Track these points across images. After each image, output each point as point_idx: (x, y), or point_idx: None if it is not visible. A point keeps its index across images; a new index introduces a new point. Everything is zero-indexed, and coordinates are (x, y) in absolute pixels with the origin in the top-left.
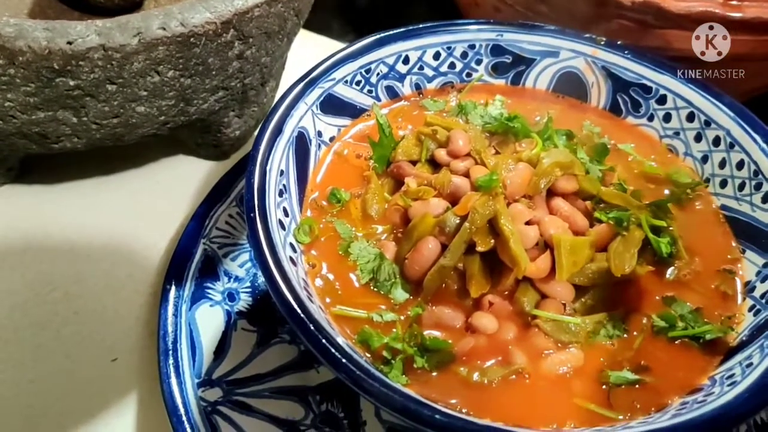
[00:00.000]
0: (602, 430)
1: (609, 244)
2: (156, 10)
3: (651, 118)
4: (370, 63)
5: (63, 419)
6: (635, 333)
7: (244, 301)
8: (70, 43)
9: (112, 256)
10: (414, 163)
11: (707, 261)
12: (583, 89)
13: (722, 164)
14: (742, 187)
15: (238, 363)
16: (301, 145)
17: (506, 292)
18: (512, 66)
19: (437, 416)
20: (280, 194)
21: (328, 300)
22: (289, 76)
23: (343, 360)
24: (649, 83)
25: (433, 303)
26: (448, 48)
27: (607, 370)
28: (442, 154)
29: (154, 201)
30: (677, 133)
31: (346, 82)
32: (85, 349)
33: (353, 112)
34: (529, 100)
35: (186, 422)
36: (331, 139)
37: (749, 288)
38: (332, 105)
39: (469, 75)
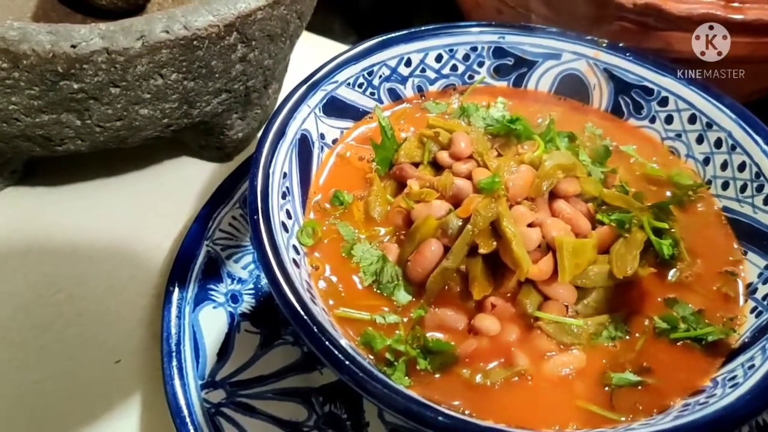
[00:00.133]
0: None
1: (611, 246)
2: (159, 14)
3: (653, 120)
4: (373, 65)
5: (66, 421)
6: (637, 335)
7: (247, 302)
8: (73, 46)
9: (115, 258)
10: (416, 165)
11: (709, 263)
12: (584, 91)
13: (724, 166)
14: (743, 188)
15: (241, 365)
16: (304, 147)
17: (509, 294)
18: (514, 68)
19: (440, 418)
20: (283, 196)
21: (331, 302)
22: (292, 78)
23: (346, 362)
24: (650, 85)
25: (436, 305)
26: (450, 50)
27: (610, 372)
28: (444, 157)
29: (157, 203)
30: (679, 135)
31: (349, 84)
32: (88, 350)
33: (356, 114)
34: (531, 102)
35: (189, 424)
36: (334, 141)
37: (751, 290)
38: (335, 107)
39: (471, 77)
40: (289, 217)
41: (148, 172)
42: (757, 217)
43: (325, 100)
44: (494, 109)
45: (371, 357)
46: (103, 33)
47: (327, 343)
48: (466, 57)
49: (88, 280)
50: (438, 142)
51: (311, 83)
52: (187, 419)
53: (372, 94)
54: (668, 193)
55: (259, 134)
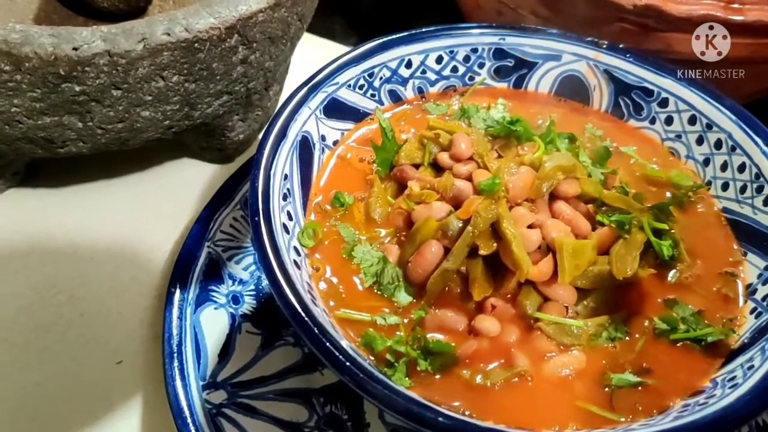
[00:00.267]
0: None
1: (611, 247)
2: (160, 16)
3: (653, 121)
4: (373, 67)
5: (68, 421)
6: (637, 335)
7: (248, 304)
8: (75, 49)
9: (116, 259)
10: (417, 166)
11: (709, 264)
12: (585, 92)
13: (724, 167)
14: (743, 189)
15: (242, 365)
16: (305, 149)
17: (509, 295)
18: (514, 69)
19: (440, 419)
20: (284, 198)
21: (331, 303)
22: (293, 80)
23: (347, 363)
24: (650, 86)
25: (436, 306)
26: (451, 52)
27: (609, 373)
28: (444, 158)
29: (158, 204)
30: (679, 136)
31: (350, 86)
32: (90, 351)
33: (356, 116)
34: (531, 103)
35: (191, 424)
36: (335, 143)
37: (751, 290)
38: (336, 109)
39: (471, 78)
40: (290, 218)
41: (150, 173)
42: (756, 218)
43: (326, 102)
44: (494, 111)
45: (372, 358)
46: (105, 35)
47: (328, 344)
48: (467, 58)
49: (90, 281)
50: (438, 143)
51: (312, 85)
52: (189, 420)
53: (373, 95)
54: (668, 194)
55: (260, 136)
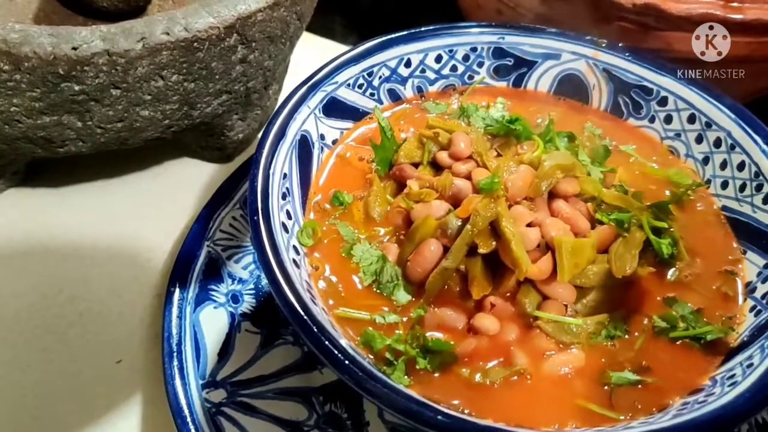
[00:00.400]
0: (603, 431)
1: (610, 245)
2: (160, 15)
3: (652, 120)
4: (373, 66)
5: (68, 420)
6: (636, 334)
7: (247, 303)
8: (75, 48)
9: (116, 259)
10: (416, 165)
11: (708, 262)
12: (584, 91)
13: (723, 165)
14: (743, 188)
15: (242, 364)
16: (304, 148)
17: (508, 294)
18: (514, 68)
19: (439, 417)
20: (283, 197)
21: (331, 302)
22: (292, 79)
23: (346, 362)
24: (650, 85)
25: (436, 305)
26: (450, 51)
27: (609, 371)
28: (443, 157)
29: (158, 203)
30: (678, 135)
31: (349, 85)
32: (90, 351)
33: (355, 115)
34: (530, 102)
35: (190, 423)
36: (334, 142)
37: (750, 289)
38: (335, 108)
39: (470, 78)
40: (289, 217)
41: (149, 173)
42: (756, 217)
43: (325, 101)
44: (494, 110)
45: (371, 357)
46: (104, 35)
47: (327, 342)
48: (466, 57)
49: (90, 280)
50: (437, 142)
51: (311, 84)
52: (188, 419)
53: (372, 94)
54: (667, 193)
55: (260, 135)
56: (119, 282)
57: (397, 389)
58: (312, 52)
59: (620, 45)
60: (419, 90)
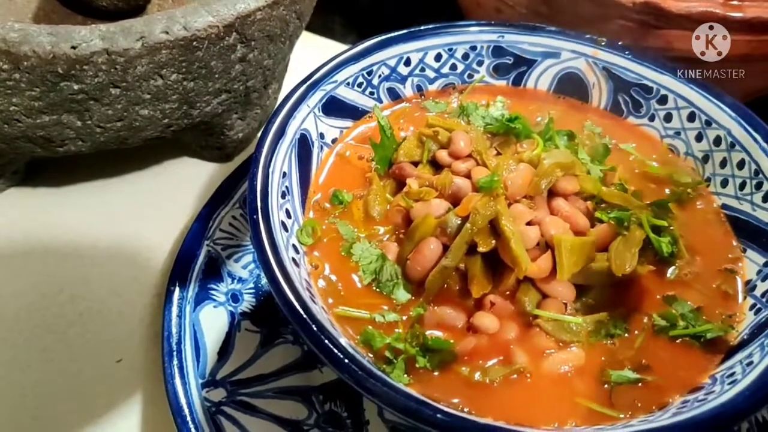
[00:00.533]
0: (603, 429)
1: (610, 243)
2: (159, 14)
3: (652, 118)
4: (372, 65)
5: (69, 420)
6: (636, 332)
7: (247, 302)
8: (74, 47)
9: (116, 258)
10: (416, 164)
11: (708, 260)
12: (584, 90)
13: (723, 164)
14: (742, 186)
15: (241, 363)
16: (304, 147)
17: (507, 292)
18: (513, 67)
19: (439, 415)
20: (283, 196)
21: (330, 301)
22: (292, 78)
23: (346, 360)
24: (649, 83)
25: (435, 303)
26: (450, 49)
27: (609, 369)
28: (443, 155)
29: (158, 203)
30: (678, 133)
31: (348, 84)
32: (90, 350)
33: (355, 114)
34: (530, 100)
35: (190, 422)
36: (333, 140)
37: (750, 287)
38: (334, 107)
39: (470, 76)
40: (289, 216)
41: (149, 172)
42: (756, 215)
43: (324, 100)
44: (493, 108)
45: (370, 355)
46: (103, 34)
47: (326, 341)
48: (466, 56)
49: (90, 280)
50: (437, 141)
51: (311, 83)
52: (188, 418)
53: (371, 93)
54: (667, 191)
55: (259, 134)
56: (119, 281)
57: (397, 388)
58: (311, 51)
59: (620, 43)
60: (419, 89)
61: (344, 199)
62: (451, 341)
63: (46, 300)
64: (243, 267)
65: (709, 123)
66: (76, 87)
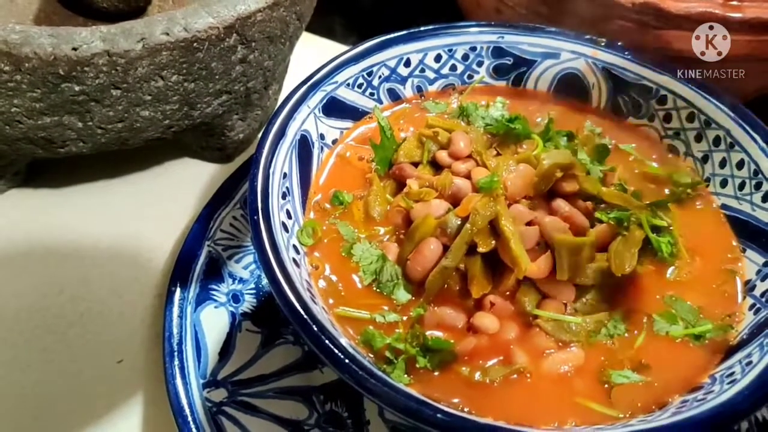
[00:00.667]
0: (603, 429)
1: (609, 244)
2: (159, 16)
3: (651, 119)
4: (372, 66)
5: (69, 420)
6: (636, 332)
7: (248, 302)
8: (75, 49)
9: (117, 259)
10: (416, 164)
11: (708, 260)
12: (583, 90)
13: (722, 164)
14: (742, 186)
15: (242, 364)
16: (304, 147)
17: (507, 293)
18: (513, 68)
19: (439, 415)
20: (283, 197)
21: (331, 301)
22: (292, 79)
23: (346, 360)
24: (649, 84)
25: (435, 303)
26: (450, 50)
27: (608, 369)
28: (443, 156)
29: (158, 204)
30: (678, 134)
31: (348, 85)
32: (91, 350)
33: (355, 114)
34: (530, 101)
35: (191, 423)
36: (334, 141)
37: (749, 287)
38: (334, 108)
39: (470, 77)
40: (289, 216)
41: (150, 173)
42: (755, 215)
43: (324, 101)
44: (493, 109)
45: (371, 355)
46: (104, 35)
47: (327, 342)
48: (465, 57)
49: (91, 280)
50: (437, 141)
51: (311, 84)
52: (189, 418)
53: (371, 94)
54: (667, 191)
55: (260, 135)
56: (120, 282)
57: (397, 388)
58: (312, 52)
59: (620, 44)
60: (419, 89)
61: (344, 199)
62: (452, 341)
63: (47, 300)
64: (244, 267)
65: (708, 123)
66: (77, 88)
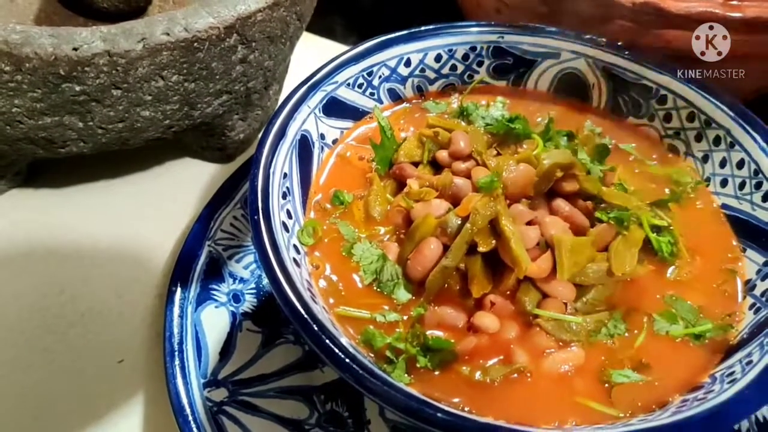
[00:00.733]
0: (603, 428)
1: (610, 243)
2: (160, 16)
3: (652, 118)
4: (372, 66)
5: (70, 420)
6: (636, 331)
7: (249, 302)
8: (75, 49)
9: (118, 259)
10: (416, 164)
11: (708, 260)
12: (584, 90)
13: (723, 163)
14: (742, 186)
15: (243, 363)
16: (304, 147)
17: (508, 292)
18: (513, 67)
19: (440, 414)
20: (284, 196)
21: (331, 301)
22: (293, 79)
23: (347, 360)
24: (649, 83)
25: (436, 303)
26: (450, 50)
27: (609, 369)
28: (443, 156)
29: (159, 204)
30: (678, 133)
31: (349, 85)
32: (92, 350)
33: (356, 114)
34: (530, 101)
35: (192, 422)
36: (334, 141)
37: (750, 286)
38: (335, 108)
39: (470, 77)
40: (290, 216)
41: (150, 173)
42: (755, 214)
43: (325, 101)
44: (494, 109)
45: (371, 355)
46: (105, 36)
47: (327, 341)
48: (466, 57)
49: (91, 280)
50: (437, 141)
51: (311, 84)
52: (190, 418)
53: (372, 94)
54: (667, 191)
55: (260, 135)
56: (121, 282)
57: (398, 387)
58: (312, 52)
59: (620, 44)
60: (419, 89)
61: (345, 199)
62: (452, 341)
63: (48, 300)
64: (244, 267)
65: (708, 123)
66: (77, 88)
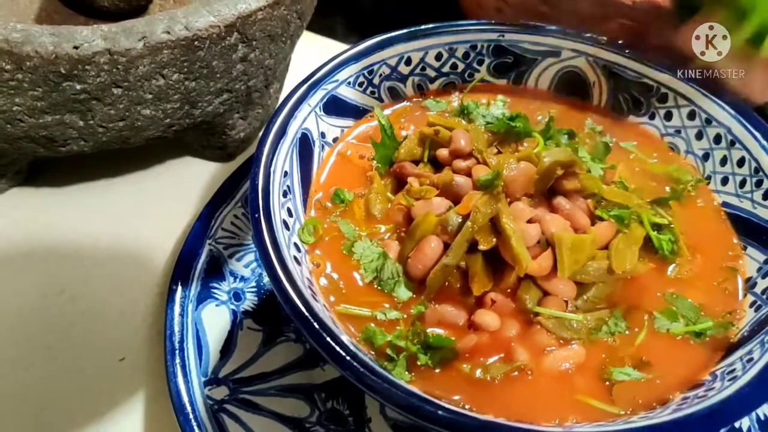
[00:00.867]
0: (604, 426)
1: (610, 241)
2: (160, 15)
3: (652, 117)
4: (373, 64)
5: (72, 418)
6: (637, 329)
7: (249, 300)
8: (76, 47)
9: (118, 257)
10: (416, 163)
11: (708, 258)
12: (584, 88)
13: (723, 161)
14: (743, 184)
15: (244, 362)
16: (305, 146)
17: (508, 290)
18: (514, 66)
19: (440, 412)
20: (284, 195)
21: (332, 299)
22: (293, 77)
23: (348, 358)
24: (650, 82)
25: (436, 301)
26: (450, 49)
27: (609, 366)
28: (444, 154)
29: (160, 202)
30: (678, 131)
31: (349, 83)
32: (93, 349)
33: (356, 113)
34: (530, 99)
35: (193, 420)
36: (335, 140)
37: (750, 284)
38: (335, 106)
39: (471, 75)
40: (291, 215)
41: (151, 172)
42: (756, 212)
43: (325, 99)
44: (494, 107)
45: (372, 353)
46: (105, 34)
47: (328, 339)
48: (466, 55)
49: (92, 279)
50: (438, 139)
51: (312, 82)
52: (191, 416)
53: (372, 92)
54: (668, 189)
55: (261, 134)
56: (121, 281)
57: (399, 385)
58: (313, 50)
59: (620, 42)
60: (420, 88)
61: (345, 197)
62: (453, 339)
63: (48, 300)
64: (245, 266)
65: (709, 121)
66: (78, 87)
